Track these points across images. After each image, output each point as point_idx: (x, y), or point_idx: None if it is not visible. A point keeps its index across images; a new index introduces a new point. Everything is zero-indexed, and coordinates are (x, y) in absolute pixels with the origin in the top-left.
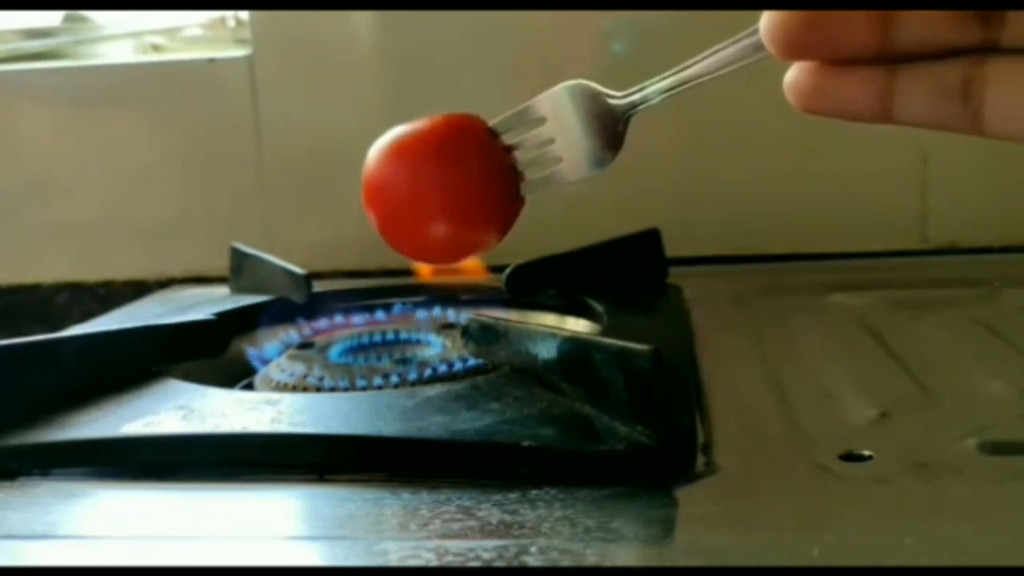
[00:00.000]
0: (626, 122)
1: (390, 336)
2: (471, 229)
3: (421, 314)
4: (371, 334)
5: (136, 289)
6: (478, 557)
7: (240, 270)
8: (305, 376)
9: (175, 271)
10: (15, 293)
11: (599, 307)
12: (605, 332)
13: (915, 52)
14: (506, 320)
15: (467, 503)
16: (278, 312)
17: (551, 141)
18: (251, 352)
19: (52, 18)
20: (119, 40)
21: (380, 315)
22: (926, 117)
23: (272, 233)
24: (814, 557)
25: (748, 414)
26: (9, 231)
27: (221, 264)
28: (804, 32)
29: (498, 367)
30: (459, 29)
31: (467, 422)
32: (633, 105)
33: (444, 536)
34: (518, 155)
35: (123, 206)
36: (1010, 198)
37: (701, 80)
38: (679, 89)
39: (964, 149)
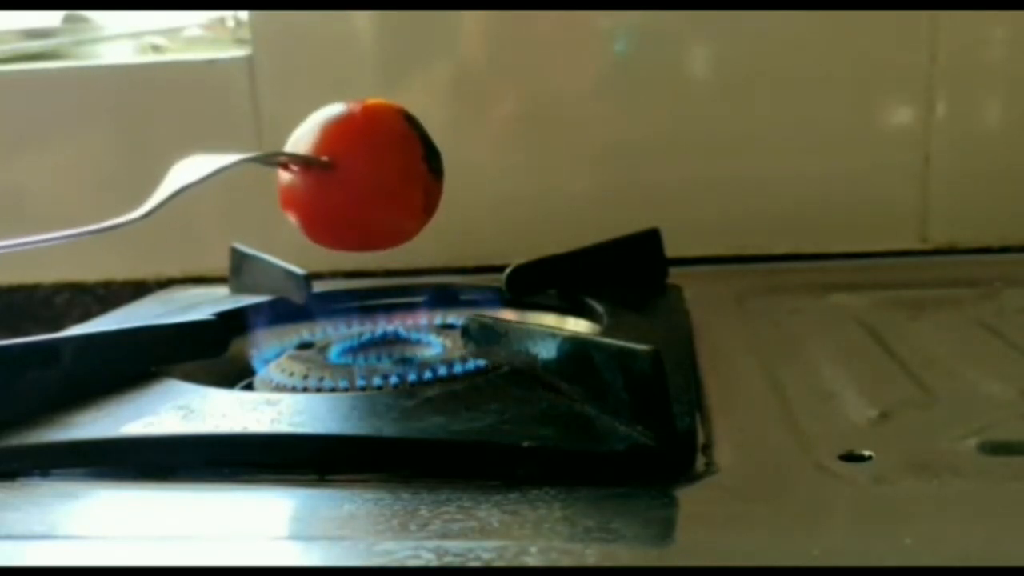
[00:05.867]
0: None
1: (390, 336)
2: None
3: (421, 314)
4: (371, 334)
5: (136, 289)
6: (478, 557)
7: (240, 270)
8: (305, 376)
9: (175, 271)
10: (15, 293)
11: (599, 307)
12: (605, 332)
13: None
14: (506, 320)
15: (467, 503)
16: (278, 312)
17: None
18: (251, 352)
19: (52, 18)
20: (119, 40)
21: (380, 315)
22: None
23: (272, 233)
24: (814, 557)
25: (748, 414)
26: (9, 231)
27: (221, 264)
28: None
29: (498, 367)
30: (459, 29)
31: (467, 422)
32: None
33: (444, 536)
34: None
35: (123, 206)
36: (1010, 198)
37: None
38: None
39: (965, 149)
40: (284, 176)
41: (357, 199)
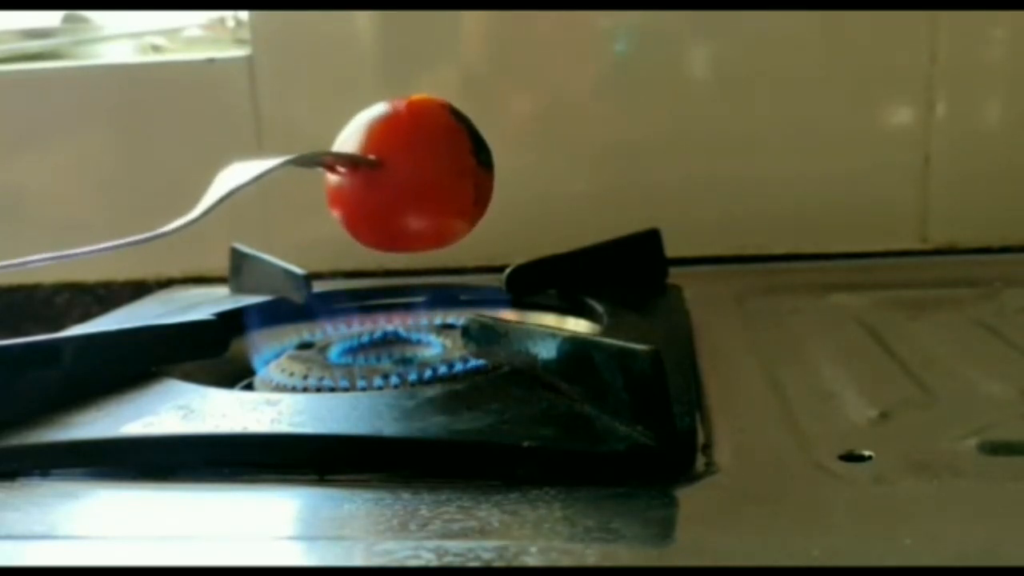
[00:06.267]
0: None
1: (390, 336)
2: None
3: (421, 314)
4: (371, 334)
5: (136, 289)
6: (478, 557)
7: (240, 270)
8: (305, 376)
9: (175, 271)
10: (15, 293)
11: (599, 307)
12: (605, 332)
13: None
14: (506, 320)
15: (467, 503)
16: (278, 312)
17: None
18: (251, 352)
19: (52, 18)
20: (119, 40)
21: (380, 315)
22: None
23: (272, 233)
24: (814, 557)
25: (748, 414)
26: (9, 231)
27: (221, 264)
28: None
29: (498, 367)
30: (460, 29)
31: (467, 422)
32: None
33: (444, 536)
34: None
35: (123, 206)
36: (1010, 198)
37: None
38: None
39: (965, 149)
40: (331, 176)
41: (407, 196)
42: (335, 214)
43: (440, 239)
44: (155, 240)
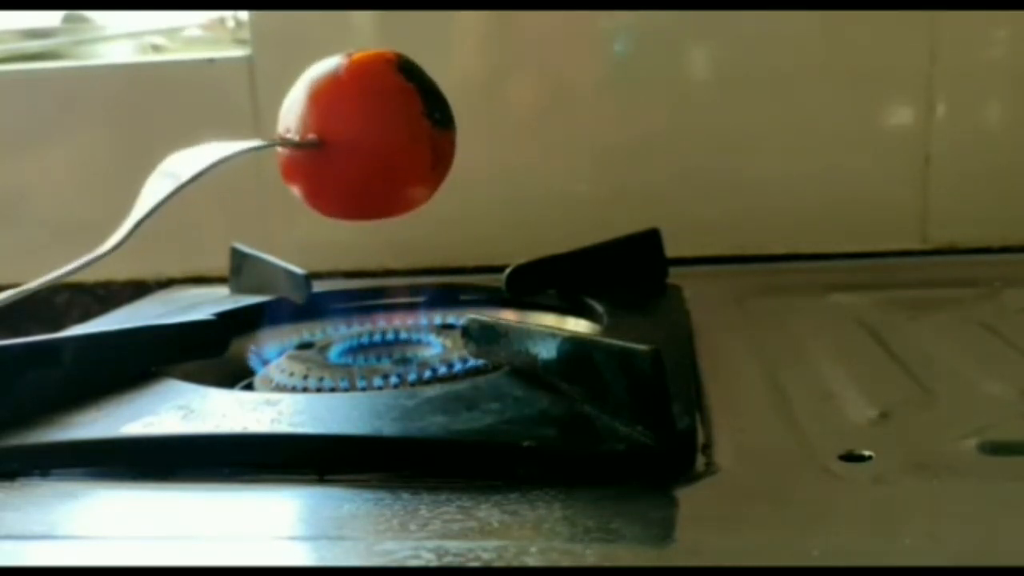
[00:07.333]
0: None
1: (390, 336)
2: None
3: (421, 314)
4: (371, 334)
5: (136, 289)
6: (478, 557)
7: (240, 270)
8: (305, 376)
9: (175, 271)
10: None
11: (599, 307)
12: (605, 332)
13: None
14: (506, 320)
15: (467, 503)
16: (278, 312)
17: None
18: (251, 352)
19: (52, 18)
20: (119, 40)
21: (380, 315)
22: None
23: (272, 233)
24: (814, 557)
25: (748, 414)
26: (9, 231)
27: (221, 264)
28: None
29: (498, 367)
30: (459, 29)
31: (467, 422)
32: None
33: (444, 536)
34: None
35: (123, 206)
36: (1010, 198)
37: None
38: None
39: (965, 149)
40: (283, 150)
41: (359, 170)
42: (292, 190)
43: (400, 207)
44: (96, 262)
